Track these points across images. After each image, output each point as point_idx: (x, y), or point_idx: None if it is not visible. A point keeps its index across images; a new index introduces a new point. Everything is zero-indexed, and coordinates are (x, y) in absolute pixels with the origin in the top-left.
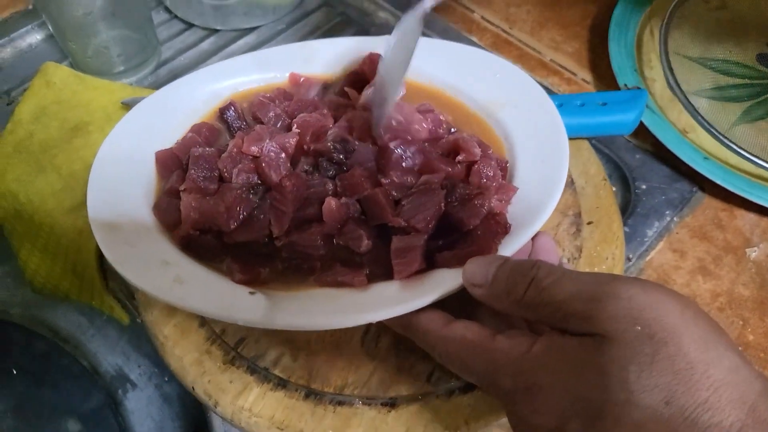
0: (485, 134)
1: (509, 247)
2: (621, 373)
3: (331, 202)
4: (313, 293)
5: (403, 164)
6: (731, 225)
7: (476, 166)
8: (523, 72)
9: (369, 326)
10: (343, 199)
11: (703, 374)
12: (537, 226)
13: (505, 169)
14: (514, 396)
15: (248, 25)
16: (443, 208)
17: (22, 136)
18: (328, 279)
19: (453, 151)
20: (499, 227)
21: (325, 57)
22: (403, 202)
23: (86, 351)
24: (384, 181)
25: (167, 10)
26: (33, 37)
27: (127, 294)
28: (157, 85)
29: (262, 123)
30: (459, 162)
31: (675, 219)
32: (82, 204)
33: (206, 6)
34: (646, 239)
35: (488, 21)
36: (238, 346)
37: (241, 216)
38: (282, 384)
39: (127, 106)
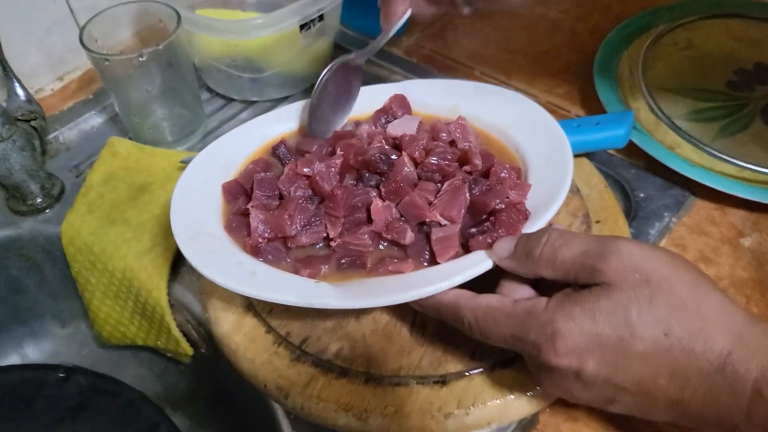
0: (501, 150)
1: (531, 230)
2: (624, 313)
3: (377, 203)
4: (369, 281)
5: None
6: (724, 221)
7: (493, 168)
8: (527, 98)
9: (415, 317)
10: (386, 202)
11: (695, 310)
12: (552, 212)
13: (519, 173)
14: (539, 346)
15: (281, 95)
16: (468, 198)
17: (93, 198)
18: (381, 269)
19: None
20: (520, 214)
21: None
22: (434, 201)
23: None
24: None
25: (209, 89)
26: (95, 121)
27: (195, 324)
28: None
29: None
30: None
31: (673, 219)
32: (151, 248)
33: (244, 80)
34: (649, 237)
35: (488, 75)
36: (302, 344)
37: (302, 222)
38: (344, 372)
39: (186, 163)
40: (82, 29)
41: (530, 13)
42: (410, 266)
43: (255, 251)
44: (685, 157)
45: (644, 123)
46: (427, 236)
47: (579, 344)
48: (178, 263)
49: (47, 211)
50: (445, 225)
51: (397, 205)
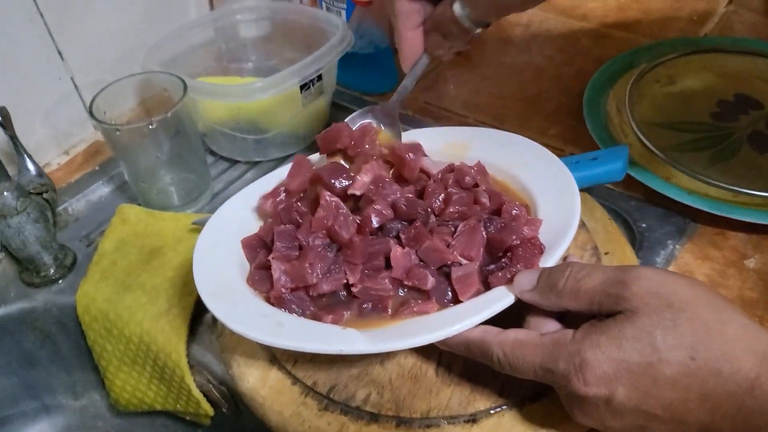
0: (506, 188)
1: (547, 264)
2: (650, 338)
3: (396, 250)
4: (394, 324)
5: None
6: (726, 244)
7: (504, 206)
8: (529, 140)
9: (440, 359)
10: (406, 249)
11: (719, 332)
12: (566, 245)
13: (528, 209)
14: (569, 376)
15: (283, 154)
16: (485, 237)
17: (106, 265)
18: (406, 311)
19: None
20: (536, 248)
21: None
22: (453, 242)
23: None
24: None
25: (213, 152)
26: (102, 191)
27: (216, 383)
28: (213, 211)
29: None
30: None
31: (677, 246)
32: (168, 310)
33: (248, 142)
34: (657, 265)
35: (481, 122)
36: (329, 393)
37: (322, 270)
38: (374, 418)
39: (197, 225)
40: (91, 103)
41: (516, 61)
42: (435, 306)
43: (279, 302)
44: (681, 186)
45: (637, 157)
46: (447, 276)
47: (607, 372)
48: (195, 324)
49: (60, 281)
50: (464, 264)
51: (417, 251)
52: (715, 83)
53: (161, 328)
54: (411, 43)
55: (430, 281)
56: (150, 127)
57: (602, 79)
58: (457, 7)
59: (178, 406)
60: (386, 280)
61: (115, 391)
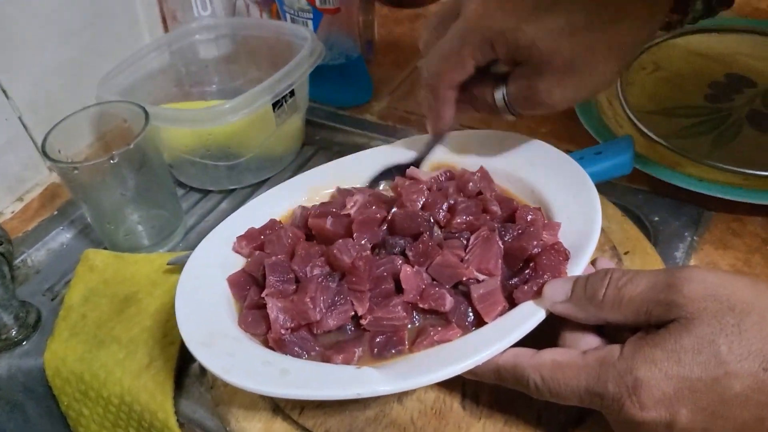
0: (511, 196)
1: (575, 271)
2: (713, 348)
3: (407, 269)
4: (413, 356)
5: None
6: (745, 231)
7: (518, 212)
8: (531, 138)
9: (464, 390)
10: (415, 268)
11: None
12: (592, 247)
13: (540, 212)
14: (621, 399)
15: (260, 179)
16: (502, 247)
17: (75, 320)
18: (425, 342)
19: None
20: (560, 255)
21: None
22: (466, 257)
23: None
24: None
25: (182, 184)
26: (63, 237)
27: None
28: (188, 249)
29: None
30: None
31: (695, 238)
32: (149, 364)
33: (221, 170)
34: (677, 260)
35: (467, 126)
36: None
37: (326, 303)
38: None
39: (174, 265)
40: (44, 141)
41: None
42: (457, 332)
43: (279, 345)
44: (689, 174)
45: (638, 147)
46: (466, 296)
47: (667, 392)
48: (181, 376)
49: (24, 343)
50: (483, 280)
51: (427, 269)
52: (703, 65)
53: (143, 384)
54: (446, 119)
55: (449, 301)
56: (111, 162)
57: None
58: (498, 97)
59: None
60: (399, 307)
61: None
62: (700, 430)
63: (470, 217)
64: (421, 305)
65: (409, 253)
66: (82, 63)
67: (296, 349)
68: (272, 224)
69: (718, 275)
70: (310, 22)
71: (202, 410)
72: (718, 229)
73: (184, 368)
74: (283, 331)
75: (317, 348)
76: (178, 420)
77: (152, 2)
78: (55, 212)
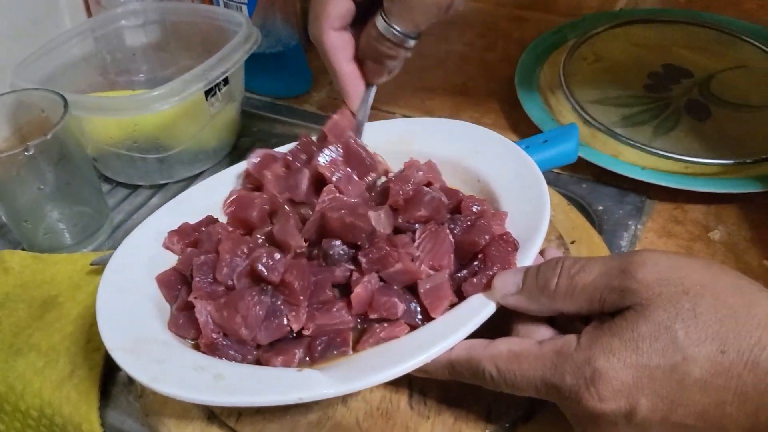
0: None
1: (525, 261)
2: (670, 334)
3: (359, 292)
4: (359, 355)
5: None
6: (687, 218)
7: (464, 202)
8: (479, 126)
9: (412, 389)
10: (365, 279)
11: (748, 316)
12: (541, 236)
13: (485, 203)
14: (578, 391)
15: (193, 173)
16: (453, 241)
17: None
18: (371, 340)
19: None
20: (509, 245)
21: None
22: (417, 254)
23: None
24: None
25: (108, 179)
26: None
27: None
28: (115, 248)
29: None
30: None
31: (638, 226)
32: (72, 373)
33: (150, 163)
34: (622, 249)
35: (410, 116)
36: None
37: (259, 319)
38: None
39: (98, 265)
40: None
41: (438, 51)
42: (404, 328)
43: (212, 349)
44: (632, 162)
45: (582, 136)
46: (413, 291)
47: (626, 382)
48: (107, 384)
49: None
50: (432, 275)
51: (378, 272)
52: (641, 55)
53: (66, 395)
54: (351, 78)
55: (401, 308)
56: (26, 153)
57: (531, 61)
58: (380, 23)
59: None
60: (343, 311)
61: None
62: (660, 418)
63: (425, 212)
64: (371, 316)
65: (363, 259)
66: None
67: (231, 352)
68: (208, 221)
69: (671, 258)
70: (244, 8)
71: (131, 420)
72: (661, 217)
73: (111, 376)
74: (214, 335)
75: (254, 351)
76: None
77: None
78: None
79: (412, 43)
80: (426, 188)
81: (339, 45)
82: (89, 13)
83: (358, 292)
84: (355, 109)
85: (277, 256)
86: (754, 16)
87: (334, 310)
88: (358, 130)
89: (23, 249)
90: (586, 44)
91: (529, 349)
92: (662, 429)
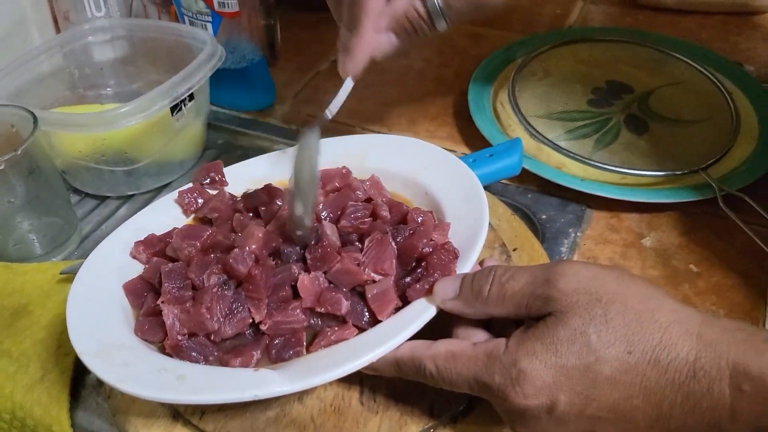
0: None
1: (463, 269)
2: (584, 338)
3: (303, 279)
4: (312, 356)
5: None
6: (622, 226)
7: (409, 214)
8: (428, 143)
9: (362, 387)
10: (312, 274)
11: (651, 320)
12: (479, 246)
13: (431, 214)
14: (505, 390)
15: (160, 184)
16: (395, 247)
17: None
18: (323, 342)
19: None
20: (450, 254)
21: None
22: (363, 259)
23: None
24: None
25: (77, 190)
26: None
27: None
28: (84, 257)
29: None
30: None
31: (578, 234)
32: (43, 377)
33: (118, 175)
34: (562, 255)
35: (369, 129)
36: None
37: (222, 312)
38: None
39: (68, 274)
40: None
41: (397, 66)
42: (353, 331)
43: (177, 351)
44: (573, 174)
45: (527, 149)
46: (362, 296)
47: (546, 381)
48: (77, 387)
49: None
50: (377, 281)
51: (326, 273)
52: (587, 72)
53: (37, 398)
54: (369, 45)
55: (345, 305)
56: None
57: (483, 77)
58: (431, 2)
59: None
60: (297, 311)
61: None
62: (577, 412)
63: (358, 222)
64: (318, 309)
65: (308, 256)
66: None
67: (193, 354)
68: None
69: (589, 269)
70: (209, 25)
71: (100, 421)
72: (599, 226)
73: (80, 379)
74: (179, 338)
75: (215, 353)
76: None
77: (42, 2)
78: None
79: (443, 26)
80: (351, 203)
81: (378, 12)
82: (58, 29)
83: (302, 278)
84: (345, 76)
85: (246, 251)
86: (694, 35)
87: (290, 309)
88: (341, 96)
89: None
90: (536, 61)
91: (465, 351)
92: (579, 421)
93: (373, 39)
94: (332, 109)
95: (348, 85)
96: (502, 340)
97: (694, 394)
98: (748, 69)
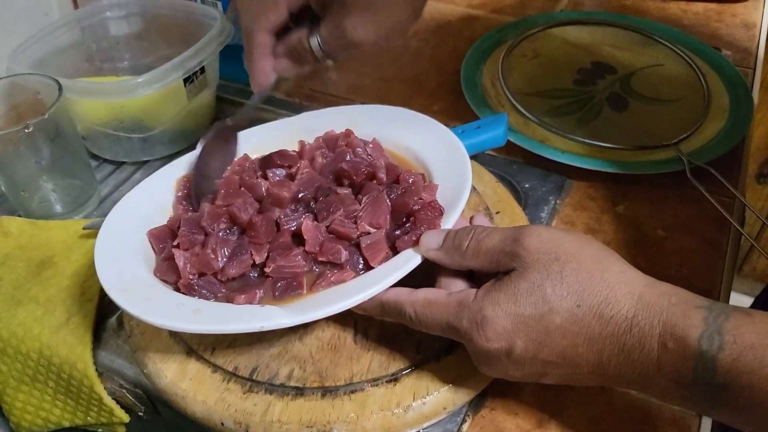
0: (402, 161)
1: (447, 224)
2: (541, 290)
3: (308, 222)
4: (312, 296)
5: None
6: (599, 195)
7: (401, 176)
8: (419, 113)
9: (356, 328)
10: (315, 223)
11: (601, 279)
12: (461, 205)
13: (424, 177)
14: (471, 333)
15: (171, 152)
16: (390, 204)
17: None
18: (323, 283)
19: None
20: (435, 211)
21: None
22: (360, 213)
23: None
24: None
25: (95, 156)
26: None
27: (129, 386)
28: (102, 216)
29: None
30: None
31: (558, 201)
32: (68, 319)
33: (134, 141)
34: (542, 220)
35: (368, 103)
36: (252, 375)
37: (226, 254)
38: (299, 392)
39: (90, 229)
40: None
41: (395, 46)
42: (350, 274)
43: (189, 289)
44: (555, 147)
45: (515, 124)
46: (357, 246)
47: (506, 327)
48: (99, 330)
49: None
50: (372, 233)
51: (327, 227)
52: (573, 53)
53: (62, 339)
54: (264, 70)
55: (344, 254)
56: (26, 131)
57: (475, 57)
58: (314, 43)
59: (88, 418)
60: (299, 257)
61: (15, 415)
62: (531, 356)
63: (356, 169)
64: (320, 258)
65: (313, 205)
66: None
67: (204, 291)
68: None
69: (552, 232)
70: (219, 3)
71: (120, 359)
72: (578, 194)
73: (102, 323)
74: (190, 277)
75: (223, 290)
76: (97, 370)
77: None
78: None
79: (327, 62)
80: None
81: (265, 43)
82: (76, 5)
83: (307, 223)
84: (255, 91)
85: (249, 200)
86: (677, 21)
87: (292, 255)
88: (247, 112)
89: (20, 216)
90: (527, 41)
91: (440, 298)
92: (533, 364)
93: (264, 67)
94: (238, 117)
95: (256, 97)
96: (472, 291)
97: (627, 347)
98: (726, 54)
